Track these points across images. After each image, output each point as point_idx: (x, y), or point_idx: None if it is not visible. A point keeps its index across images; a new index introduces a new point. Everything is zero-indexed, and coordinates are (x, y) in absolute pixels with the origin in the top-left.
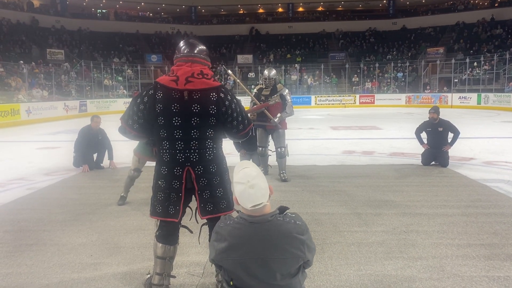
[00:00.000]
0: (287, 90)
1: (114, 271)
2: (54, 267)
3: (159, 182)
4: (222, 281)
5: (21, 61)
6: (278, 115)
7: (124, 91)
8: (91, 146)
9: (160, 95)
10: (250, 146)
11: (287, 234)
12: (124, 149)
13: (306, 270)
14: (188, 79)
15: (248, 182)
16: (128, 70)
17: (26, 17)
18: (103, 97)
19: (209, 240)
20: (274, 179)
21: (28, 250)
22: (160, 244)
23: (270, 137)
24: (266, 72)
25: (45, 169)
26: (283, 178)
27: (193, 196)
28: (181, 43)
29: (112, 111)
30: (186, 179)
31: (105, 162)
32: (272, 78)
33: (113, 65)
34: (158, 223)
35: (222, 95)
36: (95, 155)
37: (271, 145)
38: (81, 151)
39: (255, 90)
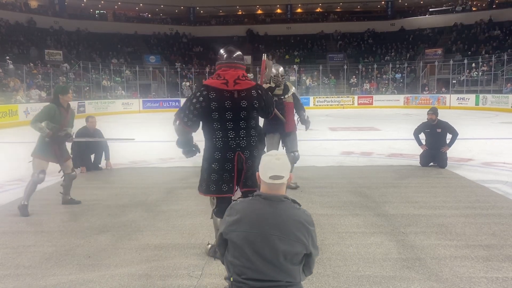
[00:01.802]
0: (294, 87)
1: (112, 272)
2: (52, 268)
3: (213, 165)
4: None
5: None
6: (305, 113)
7: (123, 92)
8: (88, 147)
9: (213, 95)
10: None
11: (296, 219)
12: (121, 149)
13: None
14: (235, 81)
15: (275, 155)
16: (127, 71)
17: (24, 18)
18: (102, 98)
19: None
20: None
21: (26, 252)
22: (219, 219)
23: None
24: (273, 69)
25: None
26: (293, 186)
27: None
28: (223, 51)
29: (110, 112)
30: (237, 161)
31: (102, 163)
32: (283, 76)
33: (112, 66)
34: (215, 202)
35: (259, 91)
36: (92, 156)
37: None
38: (78, 152)
39: None
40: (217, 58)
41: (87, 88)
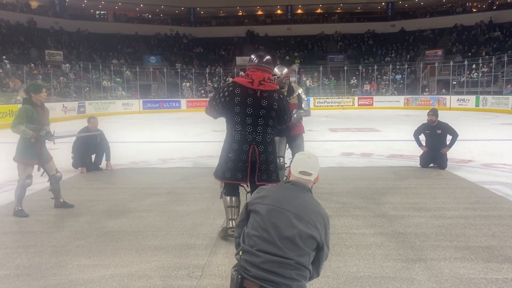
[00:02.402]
0: (301, 89)
1: (112, 273)
2: (52, 268)
3: (230, 155)
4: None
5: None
6: (294, 111)
7: (123, 92)
8: (89, 148)
9: (238, 90)
10: None
11: (316, 210)
12: (123, 150)
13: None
14: (260, 82)
15: (308, 154)
16: (127, 72)
17: (25, 18)
18: (102, 99)
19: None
20: None
21: (26, 252)
22: (228, 197)
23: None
24: (277, 70)
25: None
26: None
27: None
28: (253, 56)
29: (110, 113)
30: (251, 154)
31: (103, 163)
32: (287, 77)
33: (112, 66)
34: (223, 184)
35: (281, 96)
36: (93, 156)
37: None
38: (79, 153)
39: None
40: (248, 60)
41: (87, 88)
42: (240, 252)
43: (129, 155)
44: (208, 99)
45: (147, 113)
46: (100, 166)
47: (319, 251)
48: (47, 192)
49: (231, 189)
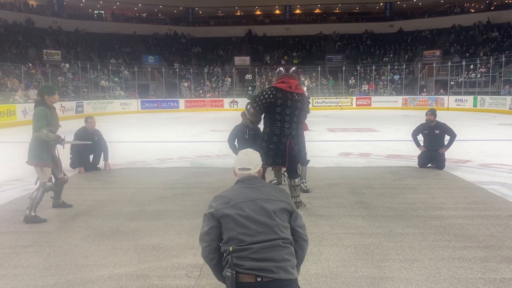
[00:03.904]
0: (305, 88)
1: (110, 273)
2: (50, 268)
3: (271, 146)
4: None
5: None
6: None
7: (121, 92)
8: (87, 148)
9: (280, 94)
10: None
11: (275, 188)
12: (121, 150)
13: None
14: (296, 87)
15: (246, 151)
16: (125, 71)
17: (23, 18)
18: (100, 98)
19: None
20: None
21: (24, 252)
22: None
23: None
24: (282, 69)
25: None
26: (305, 188)
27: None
28: (282, 68)
29: (109, 112)
30: (289, 145)
31: (101, 163)
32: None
33: (110, 66)
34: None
35: (307, 98)
36: (91, 156)
37: None
38: (77, 153)
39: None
40: (277, 72)
41: (86, 88)
42: (231, 248)
43: (127, 155)
44: (205, 99)
45: (145, 113)
46: (98, 166)
47: (295, 218)
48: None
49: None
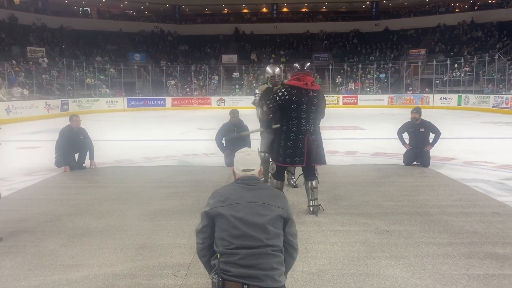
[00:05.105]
0: None
1: (96, 273)
2: (35, 269)
3: (289, 143)
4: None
5: None
6: None
7: (107, 90)
8: (72, 146)
9: (295, 91)
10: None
11: (273, 193)
12: (107, 148)
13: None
14: (312, 83)
15: (247, 151)
16: (111, 69)
17: (6, 14)
18: (85, 96)
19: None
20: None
21: (8, 252)
22: (275, 181)
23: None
24: (269, 69)
25: (25, 169)
26: (293, 184)
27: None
28: (297, 64)
29: (94, 110)
30: (307, 142)
31: (86, 162)
32: (280, 76)
33: (96, 63)
34: (275, 167)
35: (323, 95)
36: (76, 155)
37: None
38: (62, 152)
39: (258, 92)
40: (292, 69)
41: (71, 86)
42: (218, 255)
43: (113, 154)
44: (192, 97)
45: (131, 111)
46: (83, 164)
47: (290, 226)
48: (28, 192)
49: (281, 174)
